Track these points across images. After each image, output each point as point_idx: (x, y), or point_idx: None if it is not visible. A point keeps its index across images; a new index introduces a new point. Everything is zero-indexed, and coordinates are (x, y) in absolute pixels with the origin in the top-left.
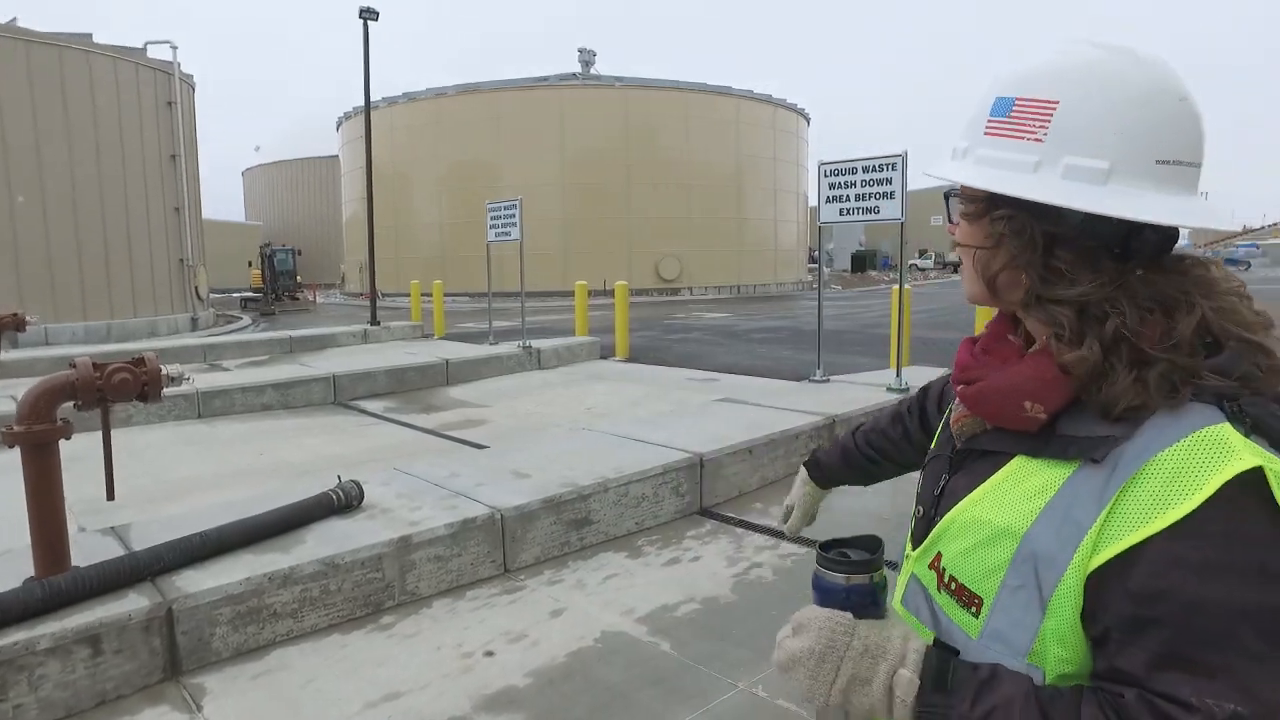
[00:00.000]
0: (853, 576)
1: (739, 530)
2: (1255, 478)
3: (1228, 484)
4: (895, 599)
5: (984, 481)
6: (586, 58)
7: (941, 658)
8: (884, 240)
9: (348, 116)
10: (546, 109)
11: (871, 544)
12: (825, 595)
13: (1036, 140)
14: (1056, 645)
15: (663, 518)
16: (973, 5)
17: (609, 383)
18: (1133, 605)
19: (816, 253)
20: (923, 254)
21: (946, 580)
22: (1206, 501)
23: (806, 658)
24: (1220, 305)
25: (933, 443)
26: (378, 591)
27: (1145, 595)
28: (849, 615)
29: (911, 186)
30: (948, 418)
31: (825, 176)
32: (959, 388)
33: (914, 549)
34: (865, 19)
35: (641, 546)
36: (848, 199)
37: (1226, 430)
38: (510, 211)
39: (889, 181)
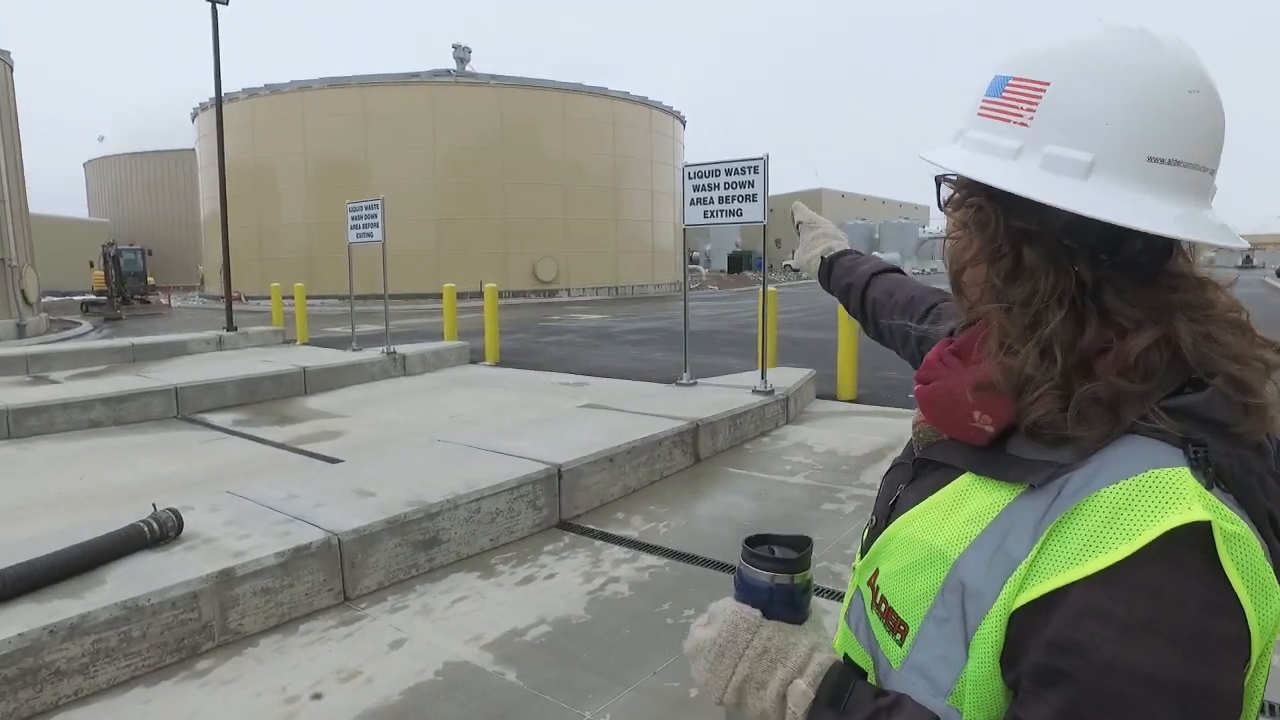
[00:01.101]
0: (776, 575)
1: (598, 543)
2: (1201, 533)
3: (1168, 534)
4: (841, 611)
5: (926, 497)
6: (461, 54)
7: (844, 675)
8: (760, 240)
9: (203, 107)
10: (418, 105)
11: (799, 543)
12: (745, 592)
13: (1022, 124)
14: (973, 687)
15: (519, 533)
16: (859, 13)
17: (477, 389)
18: (1045, 654)
19: (694, 254)
20: (794, 254)
21: (879, 600)
22: (1140, 551)
23: (708, 649)
24: (1207, 331)
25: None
26: (193, 633)
27: (1059, 645)
28: (757, 613)
29: (780, 189)
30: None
31: (689, 179)
32: (917, 386)
33: (860, 559)
34: (745, 20)
35: (495, 565)
36: (711, 201)
37: (1183, 476)
38: (372, 211)
39: (751, 184)
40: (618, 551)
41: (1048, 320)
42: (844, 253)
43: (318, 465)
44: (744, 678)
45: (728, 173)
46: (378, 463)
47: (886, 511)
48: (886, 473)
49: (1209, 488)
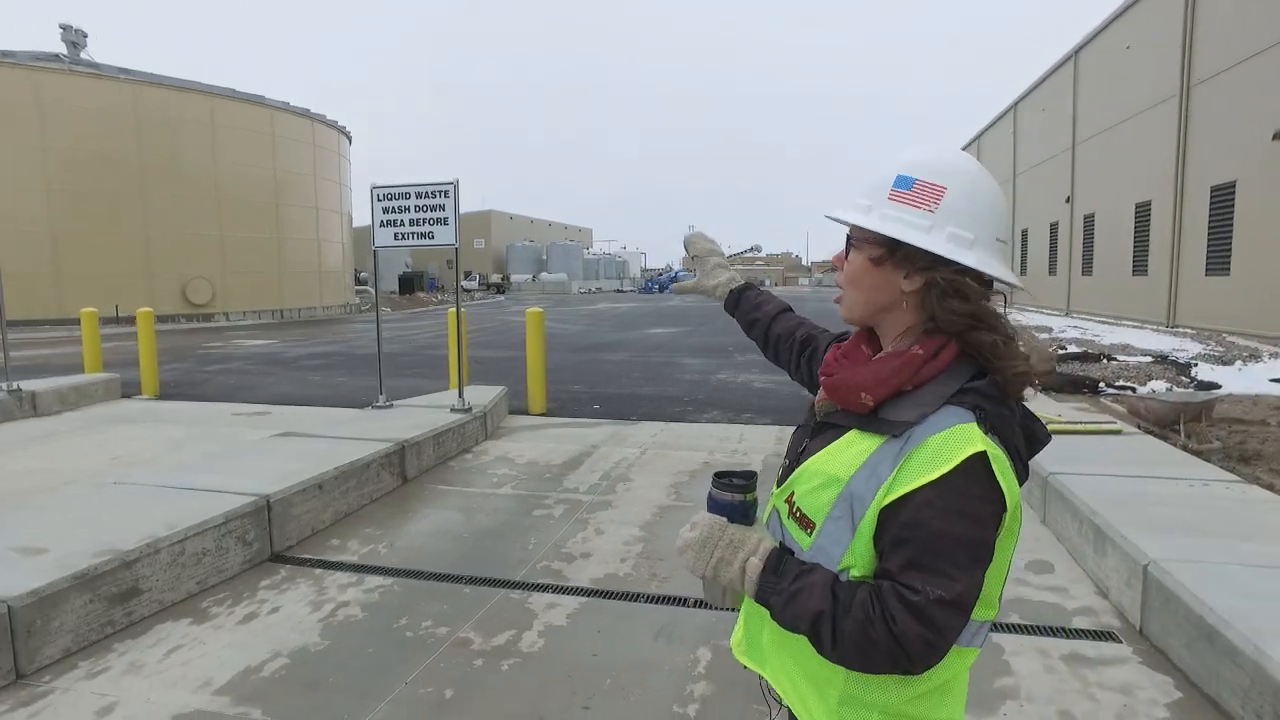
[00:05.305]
0: (733, 495)
1: (318, 571)
2: (983, 458)
3: (965, 460)
4: (763, 521)
5: (827, 445)
6: (74, 38)
7: (781, 553)
8: (430, 262)
9: None
10: (17, 93)
11: (748, 476)
12: (713, 506)
13: (929, 211)
14: (858, 555)
15: (229, 571)
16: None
17: (139, 425)
18: (899, 529)
19: (362, 274)
20: (468, 275)
21: (795, 510)
22: (951, 470)
23: (694, 544)
24: (994, 341)
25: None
26: None
27: (907, 523)
28: (724, 519)
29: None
30: (813, 398)
31: (379, 201)
32: (822, 378)
33: (777, 488)
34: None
35: (208, 608)
36: (402, 224)
37: (973, 428)
38: None
39: (443, 208)
40: (341, 577)
41: (933, 331)
42: (748, 286)
43: None
44: (719, 559)
45: (418, 195)
46: (38, 515)
47: (797, 455)
48: (794, 431)
49: (986, 434)
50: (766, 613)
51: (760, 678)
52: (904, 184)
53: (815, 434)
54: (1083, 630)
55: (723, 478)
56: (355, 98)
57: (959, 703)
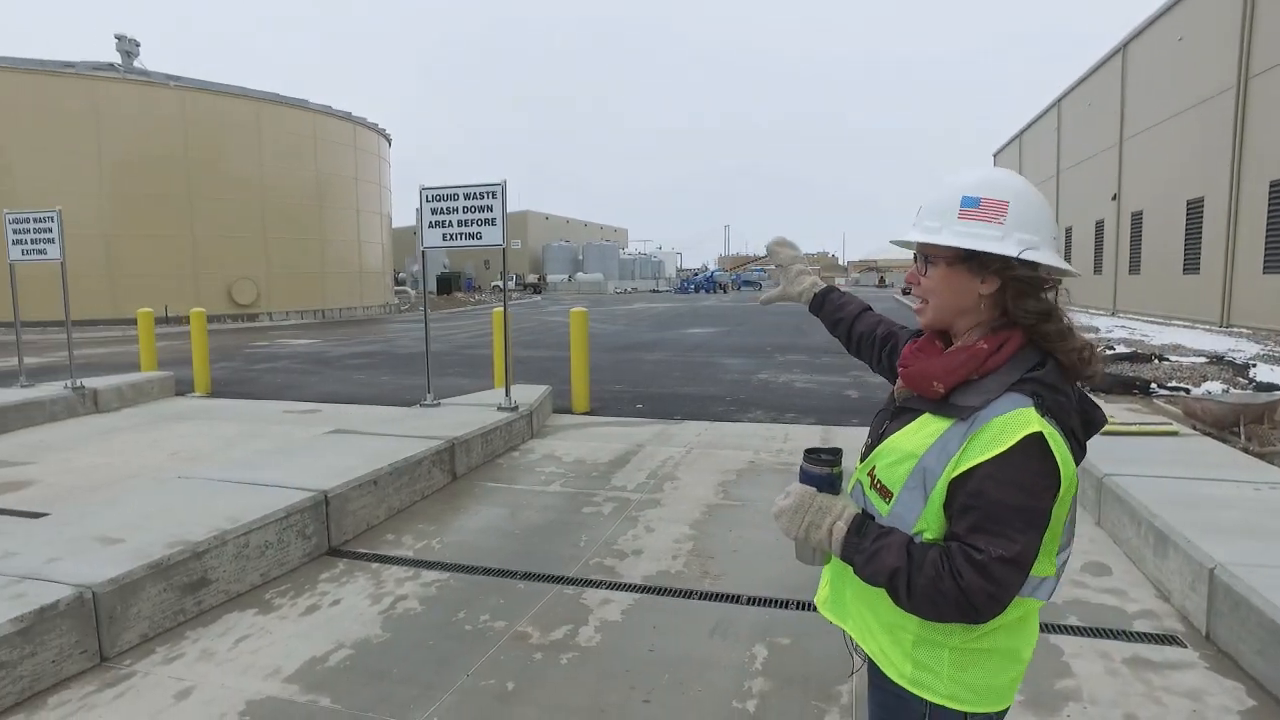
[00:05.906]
0: (821, 468)
1: (375, 565)
2: (1039, 437)
3: (1023, 439)
4: (847, 491)
5: (905, 426)
6: (127, 47)
7: (863, 518)
8: (467, 262)
9: None
10: (75, 101)
11: (834, 451)
12: (805, 478)
13: (999, 223)
14: (930, 521)
15: (290, 564)
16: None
17: (194, 422)
18: (965, 498)
19: (400, 275)
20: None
21: (875, 482)
22: (1010, 448)
23: (788, 510)
24: (1057, 329)
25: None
26: None
27: (972, 493)
28: (814, 489)
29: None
30: (893, 386)
31: (427, 202)
32: (900, 369)
33: (860, 463)
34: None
35: (272, 599)
36: (450, 224)
37: (1031, 411)
38: (45, 224)
39: (490, 209)
40: (398, 571)
41: (999, 328)
42: (830, 290)
43: (15, 522)
44: (809, 523)
45: (466, 196)
46: (110, 507)
47: (878, 434)
48: (875, 416)
49: (1043, 416)
50: (850, 572)
51: (844, 632)
52: (971, 203)
53: (894, 417)
54: (1145, 634)
55: (813, 453)
56: (356, 97)
57: (1031, 636)
